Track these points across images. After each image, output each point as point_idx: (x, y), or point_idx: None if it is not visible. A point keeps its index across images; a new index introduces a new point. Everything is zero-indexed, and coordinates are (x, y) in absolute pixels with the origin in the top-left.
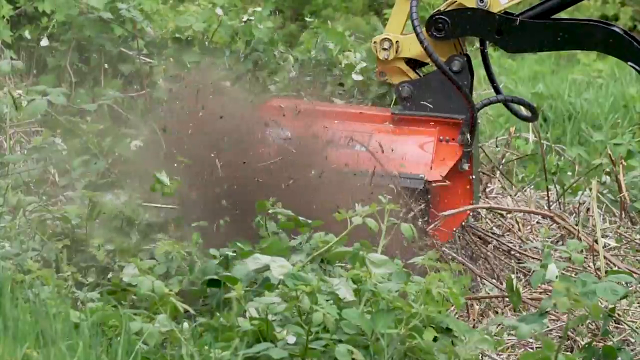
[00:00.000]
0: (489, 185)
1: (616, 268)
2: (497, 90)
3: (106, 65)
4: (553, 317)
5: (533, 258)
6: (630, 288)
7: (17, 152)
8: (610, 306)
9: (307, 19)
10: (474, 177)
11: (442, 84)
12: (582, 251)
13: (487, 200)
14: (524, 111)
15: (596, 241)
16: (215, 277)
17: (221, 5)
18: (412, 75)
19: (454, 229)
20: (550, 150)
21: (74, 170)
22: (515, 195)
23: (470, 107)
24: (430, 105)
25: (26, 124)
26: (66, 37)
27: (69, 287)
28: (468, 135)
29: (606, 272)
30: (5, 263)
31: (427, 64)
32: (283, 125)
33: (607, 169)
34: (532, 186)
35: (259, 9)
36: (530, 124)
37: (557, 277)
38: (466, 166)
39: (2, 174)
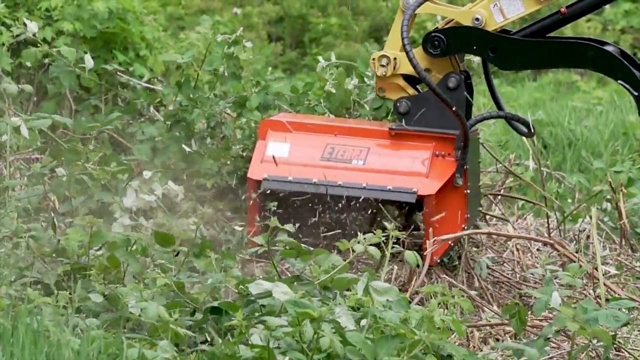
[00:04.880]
0: (488, 212)
1: (616, 295)
2: (499, 106)
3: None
4: (553, 345)
5: (534, 287)
6: (632, 315)
7: (17, 179)
8: (611, 333)
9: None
10: (468, 192)
11: (439, 100)
12: (582, 277)
13: (487, 226)
14: (522, 128)
15: (596, 268)
16: (216, 304)
17: (222, 33)
18: (410, 91)
19: (450, 243)
20: (551, 177)
21: (74, 198)
22: (515, 222)
23: (461, 124)
24: (428, 121)
25: (26, 152)
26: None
27: (69, 314)
28: (462, 151)
29: (607, 299)
30: (5, 290)
31: None
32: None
33: (608, 196)
34: (532, 213)
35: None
36: (531, 151)
37: (560, 304)
38: (460, 181)
39: (2, 201)
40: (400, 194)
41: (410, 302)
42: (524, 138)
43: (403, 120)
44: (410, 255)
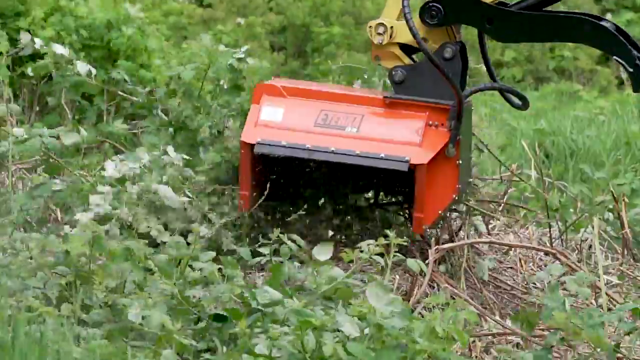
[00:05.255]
0: (491, 222)
1: (618, 305)
2: (493, 78)
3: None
4: (556, 355)
5: (538, 296)
6: (637, 323)
7: (19, 189)
8: (614, 343)
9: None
10: (460, 162)
11: (434, 70)
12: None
13: (489, 236)
14: (516, 100)
15: (598, 278)
16: (220, 312)
17: (226, 44)
18: (406, 60)
19: (439, 212)
20: (553, 187)
21: (75, 207)
22: (517, 231)
23: (457, 94)
24: (422, 90)
25: (28, 161)
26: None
27: (73, 324)
28: (455, 121)
29: (609, 309)
30: (8, 301)
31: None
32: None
33: (610, 206)
34: (534, 223)
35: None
36: (533, 160)
37: (566, 310)
38: (453, 151)
39: (4, 211)
40: (393, 162)
41: (412, 311)
42: (526, 147)
43: (397, 89)
44: (412, 263)
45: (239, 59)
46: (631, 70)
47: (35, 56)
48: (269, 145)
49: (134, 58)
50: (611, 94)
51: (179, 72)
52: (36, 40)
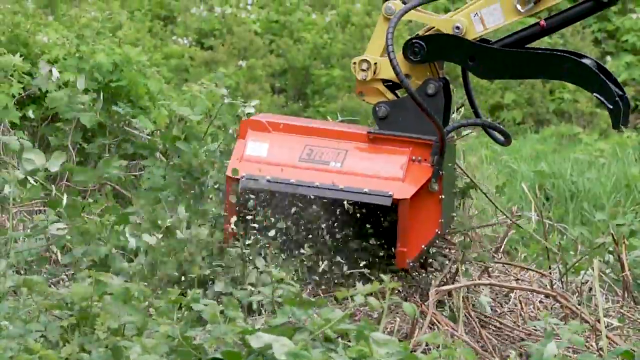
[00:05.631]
0: (490, 265)
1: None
2: (477, 114)
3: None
4: None
5: (536, 340)
6: None
7: (20, 230)
8: None
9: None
10: (443, 197)
11: (417, 106)
12: (585, 331)
13: (489, 278)
14: (499, 136)
15: (598, 321)
16: (217, 355)
17: (227, 87)
18: (389, 95)
19: (422, 246)
20: (553, 229)
21: (75, 249)
22: (517, 273)
23: (438, 130)
24: (406, 126)
25: (29, 203)
26: (69, 116)
27: None
28: (438, 157)
29: (609, 352)
30: (9, 344)
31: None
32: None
33: (610, 248)
34: (535, 265)
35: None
36: (533, 203)
37: (555, 356)
38: (436, 186)
39: (4, 253)
40: (376, 197)
41: (413, 352)
42: (526, 189)
43: (381, 125)
44: (407, 307)
45: (248, 113)
46: (611, 107)
47: (38, 98)
48: (254, 180)
49: (136, 100)
50: (611, 136)
51: (185, 113)
52: (54, 71)
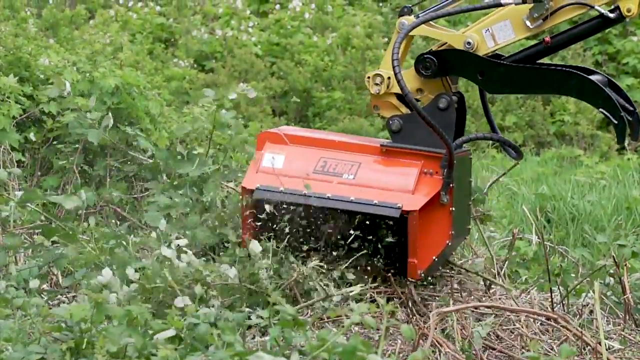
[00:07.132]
0: (492, 287)
1: None
2: (493, 128)
3: (111, 162)
4: None
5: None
6: None
7: (21, 253)
8: None
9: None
10: (454, 209)
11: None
12: (584, 354)
13: (490, 301)
14: (511, 151)
15: (600, 343)
16: None
17: (227, 108)
18: (403, 109)
19: (433, 258)
20: (554, 251)
21: (76, 272)
22: (518, 297)
23: (445, 143)
24: (418, 139)
25: (29, 226)
26: (71, 138)
27: None
28: (447, 170)
29: None
30: None
31: (418, 100)
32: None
33: (611, 271)
34: (536, 288)
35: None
36: (534, 225)
37: None
38: (445, 199)
39: (4, 275)
40: (385, 209)
41: None
42: (527, 212)
43: (395, 138)
44: (406, 330)
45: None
46: (616, 122)
47: (39, 120)
48: (268, 190)
49: (136, 122)
50: (612, 159)
51: (187, 130)
52: (67, 83)
